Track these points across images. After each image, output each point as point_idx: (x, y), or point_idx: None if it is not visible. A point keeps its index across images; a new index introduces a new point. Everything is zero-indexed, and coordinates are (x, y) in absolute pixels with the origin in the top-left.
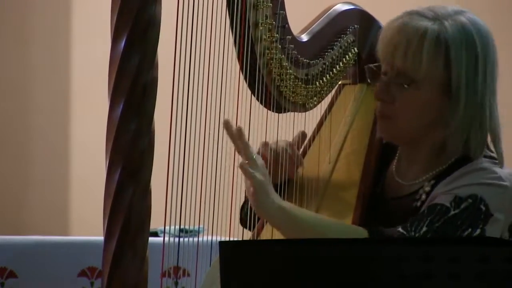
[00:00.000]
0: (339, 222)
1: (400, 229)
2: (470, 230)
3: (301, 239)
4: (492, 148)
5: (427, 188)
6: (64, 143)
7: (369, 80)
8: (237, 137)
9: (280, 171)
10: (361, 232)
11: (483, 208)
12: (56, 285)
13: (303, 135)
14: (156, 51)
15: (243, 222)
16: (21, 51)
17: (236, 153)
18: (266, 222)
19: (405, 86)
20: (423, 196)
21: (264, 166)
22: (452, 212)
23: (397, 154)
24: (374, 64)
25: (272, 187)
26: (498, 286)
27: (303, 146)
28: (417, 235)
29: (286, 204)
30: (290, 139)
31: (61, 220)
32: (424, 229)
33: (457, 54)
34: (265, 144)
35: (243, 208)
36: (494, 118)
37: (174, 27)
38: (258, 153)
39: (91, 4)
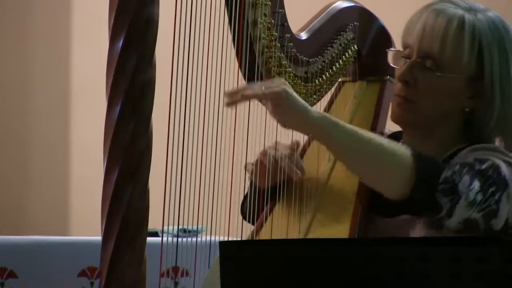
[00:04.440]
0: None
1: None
2: (494, 188)
3: (300, 239)
4: None
5: None
6: (64, 143)
7: (391, 64)
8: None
9: (279, 176)
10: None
11: (503, 173)
12: (56, 285)
13: (297, 144)
14: (154, 50)
15: (244, 215)
16: (21, 51)
17: (235, 151)
18: (265, 219)
19: (432, 69)
20: None
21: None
22: (478, 167)
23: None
24: (396, 49)
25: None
26: (498, 286)
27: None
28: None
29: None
30: (289, 138)
31: (61, 220)
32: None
33: (490, 48)
34: (264, 153)
35: (243, 205)
36: None
37: (172, 26)
38: (257, 163)
39: (91, 4)
